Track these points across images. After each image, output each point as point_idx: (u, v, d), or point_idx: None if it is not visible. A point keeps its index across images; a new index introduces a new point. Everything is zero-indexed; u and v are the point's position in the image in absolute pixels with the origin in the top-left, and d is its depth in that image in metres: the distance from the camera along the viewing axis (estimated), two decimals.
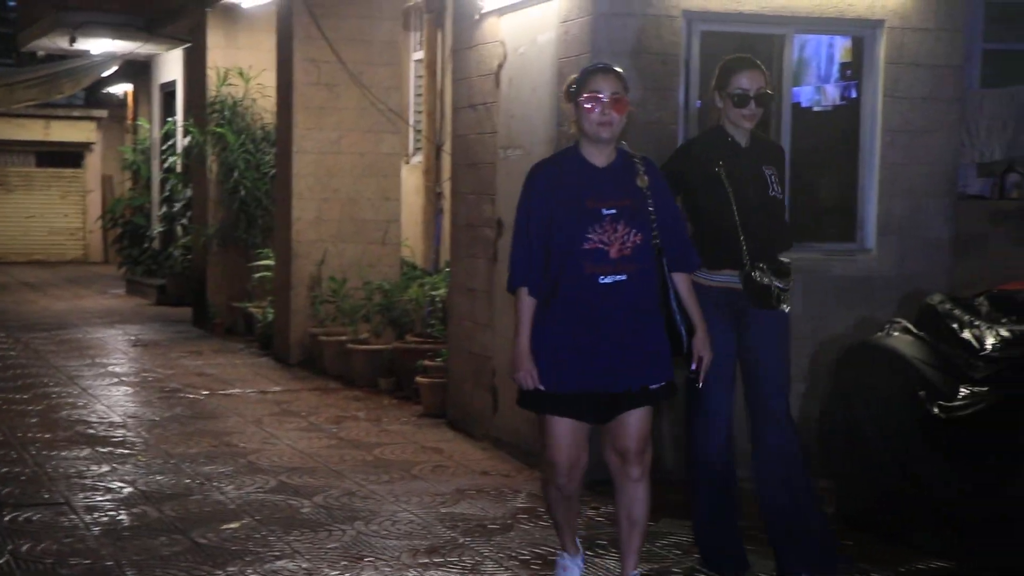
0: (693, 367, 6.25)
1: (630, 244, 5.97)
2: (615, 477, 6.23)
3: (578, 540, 6.60)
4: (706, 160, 6.82)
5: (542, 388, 5.98)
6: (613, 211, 5.97)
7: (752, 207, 6.79)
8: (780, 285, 6.78)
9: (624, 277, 5.96)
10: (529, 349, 5.99)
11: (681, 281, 6.22)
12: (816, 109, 9.73)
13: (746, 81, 6.73)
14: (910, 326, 7.86)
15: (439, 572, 7.03)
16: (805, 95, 9.63)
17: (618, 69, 6.15)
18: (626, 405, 6.07)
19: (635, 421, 6.10)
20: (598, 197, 6.00)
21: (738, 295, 6.80)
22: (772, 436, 6.86)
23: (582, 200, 5.98)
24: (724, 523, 7.01)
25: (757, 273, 6.72)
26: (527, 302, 6.02)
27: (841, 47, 9.64)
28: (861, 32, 9.41)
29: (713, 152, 6.84)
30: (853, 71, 9.58)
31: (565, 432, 6.07)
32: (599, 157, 6.09)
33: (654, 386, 6.10)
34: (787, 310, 6.91)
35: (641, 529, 6.25)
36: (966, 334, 7.60)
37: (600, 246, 5.93)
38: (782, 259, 6.90)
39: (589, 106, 5.95)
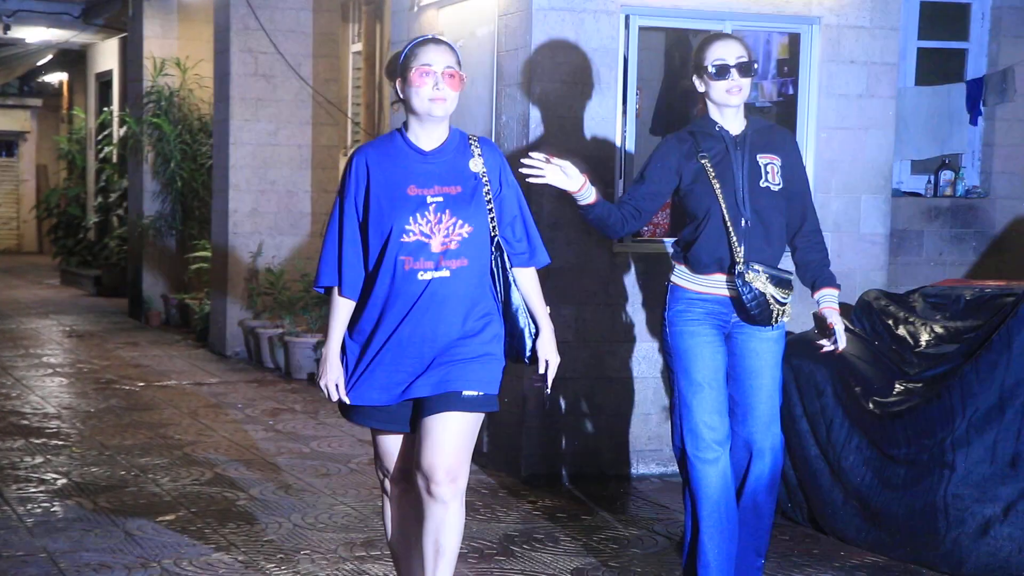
0: (542, 371, 5.32)
1: (456, 236, 5.09)
2: (422, 498, 5.17)
3: None
4: (688, 151, 5.97)
5: (346, 401, 5.20)
6: (439, 199, 5.10)
7: (742, 201, 5.92)
8: (777, 296, 5.90)
9: (448, 274, 5.07)
10: (339, 356, 5.17)
11: (526, 278, 5.32)
12: (755, 106, 9.76)
13: (722, 50, 5.96)
14: (846, 322, 7.89)
15: (376, 565, 7.00)
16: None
17: (450, 42, 5.26)
18: (434, 409, 5.06)
19: (448, 435, 5.06)
20: (422, 183, 5.12)
21: (730, 305, 5.96)
22: (756, 466, 6.15)
23: (403, 187, 5.12)
24: (728, 543, 6.18)
25: (751, 274, 5.82)
26: (339, 303, 5.18)
27: (778, 43, 9.68)
28: (798, 28, 9.46)
29: (697, 142, 5.97)
30: (790, 68, 9.63)
31: (394, 444, 5.32)
32: (427, 140, 5.20)
33: (470, 392, 5.07)
34: (783, 324, 6.10)
35: (449, 560, 5.18)
36: (901, 330, 7.65)
37: (420, 238, 5.05)
38: (782, 269, 6.02)
39: (420, 80, 5.06)
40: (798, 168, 6.14)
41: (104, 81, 23.26)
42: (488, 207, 5.23)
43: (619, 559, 7.26)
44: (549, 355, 5.32)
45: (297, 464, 9.33)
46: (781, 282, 5.94)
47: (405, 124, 5.25)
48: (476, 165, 5.23)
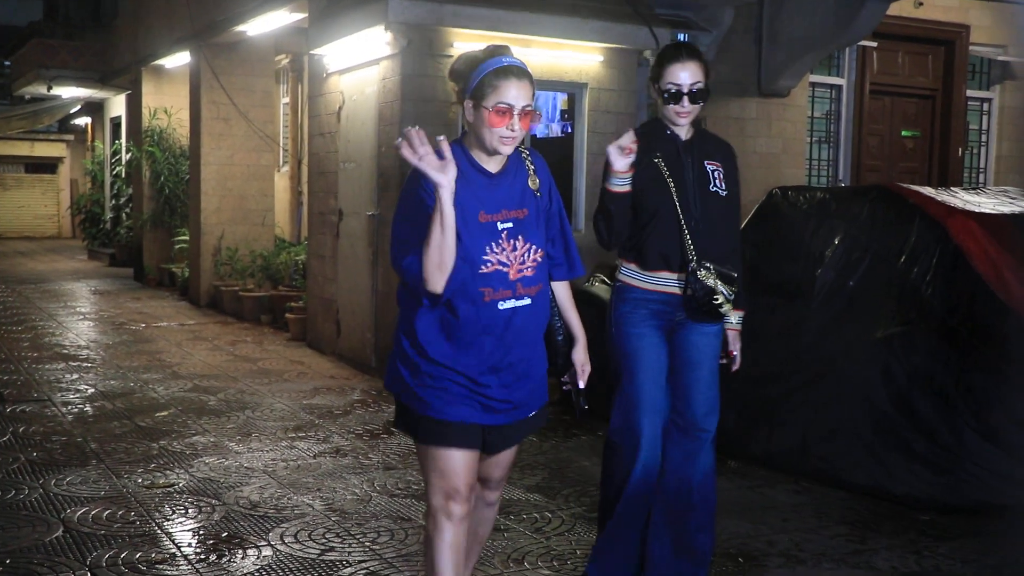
0: (581, 385, 3.68)
1: (531, 262, 3.34)
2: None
3: None
4: (643, 151, 4.05)
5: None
6: (508, 224, 3.30)
7: (694, 203, 4.11)
8: (725, 292, 4.06)
9: (527, 302, 3.32)
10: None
11: (562, 290, 3.63)
12: (548, 138, 9.81)
13: (679, 74, 4.09)
14: (605, 278, 7.95)
15: (302, 442, 6.93)
16: (540, 130, 9.71)
17: (528, 70, 3.30)
18: (510, 437, 3.50)
19: (510, 452, 3.58)
20: (491, 208, 3.29)
21: (676, 303, 4.14)
22: (704, 456, 4.23)
23: (475, 213, 3.26)
24: (631, 549, 4.29)
25: (703, 272, 4.05)
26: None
27: (561, 99, 9.73)
28: (574, 90, 9.52)
29: (651, 144, 4.14)
30: (569, 115, 9.69)
31: (470, 459, 3.38)
32: (492, 163, 3.34)
33: (536, 412, 3.51)
34: (728, 320, 4.25)
35: (481, 545, 3.79)
36: None
37: (499, 267, 3.26)
38: (728, 266, 4.14)
39: (496, 119, 3.22)
40: (735, 180, 4.30)
41: (116, 123, 22.62)
42: (544, 225, 3.49)
43: None
44: (584, 363, 3.69)
45: (248, 377, 9.18)
46: (727, 278, 4.10)
47: (464, 136, 3.40)
48: (533, 182, 3.44)
